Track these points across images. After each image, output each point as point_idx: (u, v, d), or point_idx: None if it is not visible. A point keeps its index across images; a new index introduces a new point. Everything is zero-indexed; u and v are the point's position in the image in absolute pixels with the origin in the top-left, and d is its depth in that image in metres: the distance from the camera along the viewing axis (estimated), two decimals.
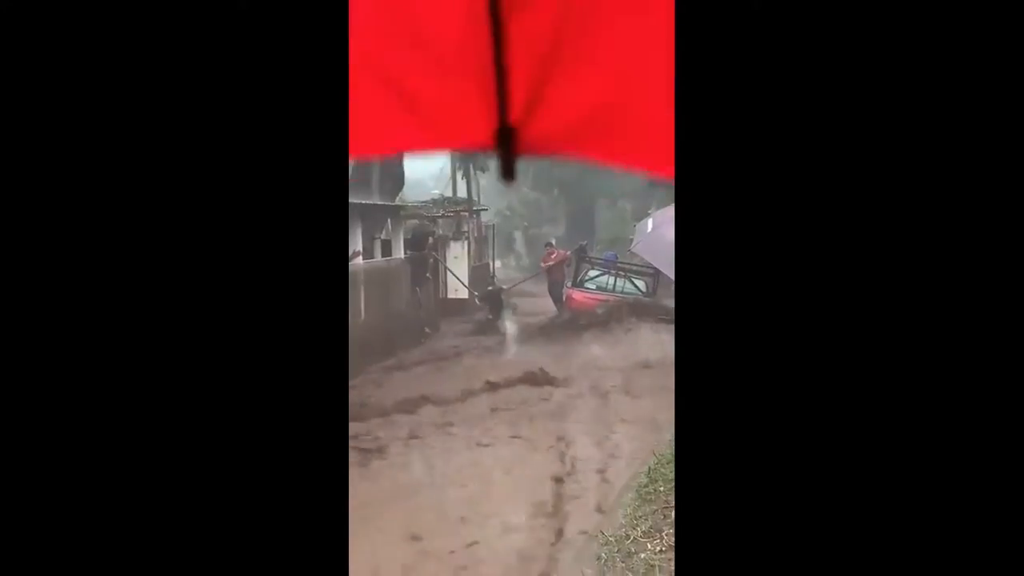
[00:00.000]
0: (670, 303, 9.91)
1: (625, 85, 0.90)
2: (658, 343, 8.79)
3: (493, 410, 6.59)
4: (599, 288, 12.37)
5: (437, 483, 4.94)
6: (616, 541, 3.80)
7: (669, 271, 6.96)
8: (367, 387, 7.59)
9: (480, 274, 14.35)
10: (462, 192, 15.89)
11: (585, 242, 14.91)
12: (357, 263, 9.46)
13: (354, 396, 6.82)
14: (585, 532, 4.09)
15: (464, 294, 13.34)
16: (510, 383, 7.53)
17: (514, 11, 0.84)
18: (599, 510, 4.45)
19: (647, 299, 11.74)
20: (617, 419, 6.33)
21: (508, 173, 0.94)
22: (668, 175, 0.85)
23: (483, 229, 16.19)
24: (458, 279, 13.32)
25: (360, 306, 9.24)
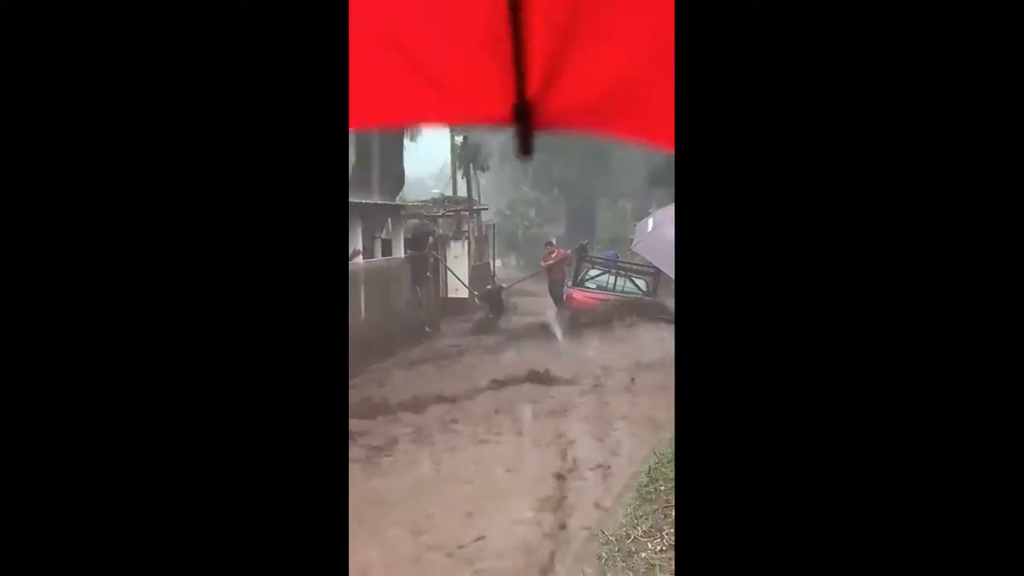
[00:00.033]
0: (670, 303, 9.91)
1: (642, 60, 0.90)
2: (659, 342, 8.79)
3: (497, 411, 6.61)
4: (599, 287, 12.37)
5: (444, 479, 4.96)
6: (617, 540, 3.80)
7: (669, 270, 6.96)
8: (371, 386, 7.61)
9: (480, 273, 14.35)
10: (462, 191, 15.89)
11: (586, 241, 14.92)
12: (357, 262, 9.46)
13: (359, 394, 6.85)
14: (586, 530, 4.09)
15: (464, 293, 13.34)
16: (511, 382, 7.54)
17: None
18: (599, 508, 4.45)
19: (647, 298, 11.74)
20: (618, 418, 6.33)
21: (525, 148, 0.94)
22: None
23: (483, 228, 16.20)
24: (458, 278, 13.32)
25: (360, 305, 9.24)
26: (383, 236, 11.72)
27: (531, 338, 10.22)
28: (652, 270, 11.30)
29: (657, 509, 4.08)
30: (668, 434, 5.33)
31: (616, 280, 12.46)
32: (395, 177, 13.92)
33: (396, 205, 12.30)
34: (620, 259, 13.08)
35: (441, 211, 14.11)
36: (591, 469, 5.09)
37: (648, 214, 11.74)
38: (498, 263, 17.87)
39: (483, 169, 17.07)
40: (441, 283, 13.12)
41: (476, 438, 5.88)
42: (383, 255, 11.36)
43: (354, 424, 5.87)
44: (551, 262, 13.21)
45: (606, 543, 3.79)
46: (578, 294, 12.22)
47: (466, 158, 15.90)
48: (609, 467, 5.12)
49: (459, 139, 16.18)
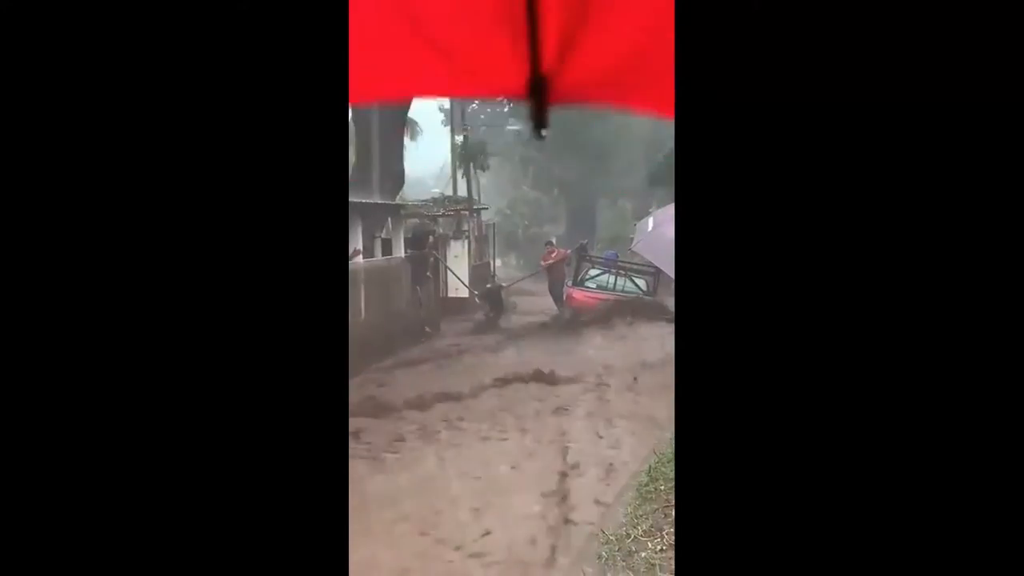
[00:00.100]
0: (670, 302, 9.91)
1: (655, 32, 0.90)
2: (659, 341, 8.78)
3: (499, 409, 6.62)
4: (600, 287, 12.37)
5: (450, 476, 4.99)
6: (617, 540, 3.80)
7: (670, 270, 6.95)
8: (372, 385, 7.62)
9: (480, 273, 14.35)
10: (462, 191, 15.89)
11: (586, 241, 14.91)
12: (357, 262, 9.45)
13: (361, 393, 6.87)
14: (591, 524, 4.10)
15: (464, 293, 13.33)
16: (511, 381, 7.54)
17: None
18: (600, 504, 4.46)
19: (648, 298, 11.74)
20: (618, 417, 6.33)
21: (540, 122, 0.95)
22: None
23: (483, 228, 16.19)
24: (458, 278, 13.31)
25: (360, 305, 9.23)
26: (383, 235, 11.72)
27: (531, 337, 10.22)
28: (652, 270, 11.30)
29: (657, 508, 4.08)
30: (668, 433, 5.33)
31: (616, 280, 12.46)
32: (395, 176, 13.92)
33: (396, 204, 12.29)
34: (620, 259, 13.08)
35: (441, 210, 14.10)
36: (592, 467, 5.10)
37: (648, 214, 11.73)
38: (498, 262, 17.87)
39: (483, 168, 17.07)
40: (441, 282, 13.11)
41: (479, 436, 5.89)
42: (383, 254, 11.36)
43: (359, 422, 5.92)
44: (551, 262, 13.21)
45: (606, 542, 3.79)
46: (578, 294, 12.21)
47: (466, 157, 15.89)
48: (611, 465, 5.13)
49: (459, 139, 16.18)
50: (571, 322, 10.86)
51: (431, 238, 12.28)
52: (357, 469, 4.94)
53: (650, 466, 4.78)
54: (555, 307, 12.55)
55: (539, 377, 7.64)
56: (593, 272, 12.75)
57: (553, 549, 3.85)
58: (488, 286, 12.77)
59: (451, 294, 13.38)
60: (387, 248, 11.59)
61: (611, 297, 11.79)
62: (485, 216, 16.81)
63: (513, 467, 5.19)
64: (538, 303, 13.54)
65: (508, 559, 3.75)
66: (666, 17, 0.86)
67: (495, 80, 0.97)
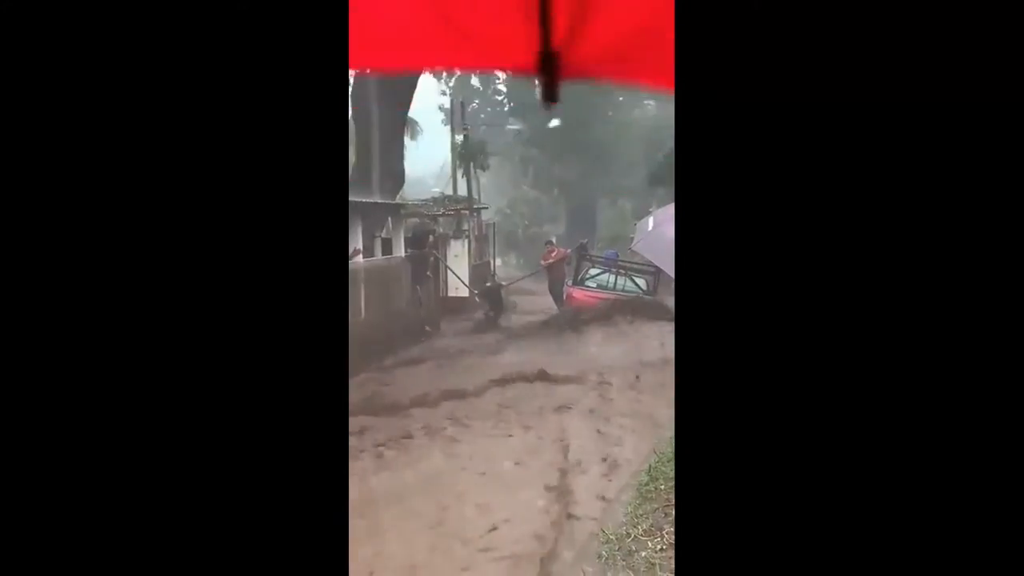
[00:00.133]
0: (671, 301, 9.90)
1: (664, 9, 0.91)
2: (659, 341, 8.79)
3: (501, 407, 6.63)
4: (600, 286, 12.37)
5: (456, 472, 5.02)
6: (617, 539, 3.80)
7: (670, 269, 6.96)
8: (373, 384, 7.65)
9: (481, 272, 14.35)
10: (463, 190, 15.89)
11: (586, 240, 14.92)
12: (357, 261, 9.46)
13: (363, 392, 6.90)
14: (593, 520, 4.11)
15: (465, 292, 13.34)
16: (512, 379, 7.54)
17: None
18: (602, 500, 4.47)
19: (648, 297, 11.74)
20: (618, 416, 6.34)
21: (550, 97, 0.96)
22: None
23: (484, 227, 16.20)
24: (458, 277, 13.32)
25: (360, 304, 9.24)
26: (383, 235, 11.72)
27: (532, 336, 10.22)
28: (652, 269, 11.30)
29: (657, 508, 4.08)
30: (669, 433, 5.34)
31: (616, 279, 12.46)
32: (395, 176, 13.92)
33: (396, 204, 12.29)
34: (620, 258, 13.08)
35: (441, 210, 14.11)
36: (594, 465, 5.11)
37: (648, 213, 11.73)
38: (498, 262, 17.87)
39: (483, 168, 17.07)
40: (441, 282, 13.12)
41: (483, 433, 5.91)
42: (383, 254, 11.37)
43: (365, 420, 5.96)
44: (551, 261, 13.21)
45: (606, 542, 3.79)
46: (578, 293, 12.22)
47: (466, 157, 15.89)
48: (612, 464, 5.14)
49: (459, 138, 16.18)
50: (571, 321, 10.86)
51: (431, 237, 12.28)
52: (364, 466, 4.99)
53: (650, 465, 4.79)
54: (555, 306, 12.55)
55: (540, 376, 7.64)
56: (593, 271, 12.75)
57: (556, 540, 3.87)
58: (487, 284, 12.77)
59: (451, 293, 13.38)
60: (387, 247, 11.60)
61: (611, 296, 11.79)
62: (485, 215, 16.82)
63: (517, 463, 5.21)
64: (538, 302, 13.55)
65: (514, 554, 3.77)
66: None
67: (506, 54, 0.99)
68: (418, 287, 11.33)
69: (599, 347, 9.33)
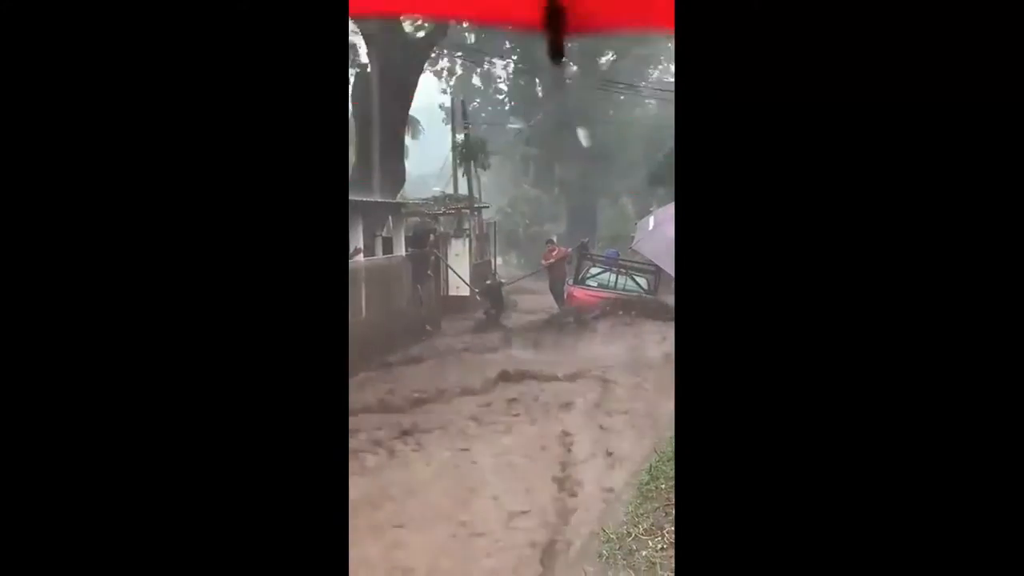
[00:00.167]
0: (671, 300, 9.90)
1: None
2: (660, 340, 8.79)
3: (503, 406, 6.66)
4: (600, 286, 12.37)
5: (460, 469, 5.06)
6: (617, 538, 3.80)
7: (670, 268, 6.96)
8: (376, 383, 7.67)
9: (481, 271, 14.35)
10: (463, 189, 15.89)
11: (586, 239, 14.91)
12: (358, 260, 9.46)
13: (365, 392, 6.93)
14: (589, 525, 4.11)
15: (466, 291, 13.34)
16: (513, 378, 7.56)
17: None
18: (602, 499, 4.48)
19: (648, 296, 11.74)
20: (619, 415, 6.34)
21: (557, 52, 0.97)
22: None
23: (484, 226, 16.19)
24: (459, 276, 13.31)
25: (361, 304, 9.24)
26: (384, 234, 11.72)
27: (533, 335, 10.22)
28: (653, 268, 11.30)
29: (658, 507, 4.08)
30: (669, 432, 5.34)
31: (617, 278, 12.46)
32: (396, 175, 13.91)
33: (397, 203, 12.29)
34: (621, 257, 13.07)
35: (442, 209, 14.10)
36: (594, 464, 5.12)
37: (649, 212, 11.73)
38: (499, 261, 17.87)
39: (484, 167, 17.06)
40: (442, 281, 13.11)
41: (487, 430, 5.94)
42: (384, 253, 11.36)
43: (371, 419, 5.99)
44: (552, 260, 13.21)
45: (607, 541, 3.79)
46: (579, 292, 12.21)
47: (467, 156, 15.88)
48: (613, 463, 5.15)
49: (460, 137, 16.18)
50: (572, 320, 10.86)
51: (432, 236, 12.28)
52: (368, 463, 5.03)
53: (651, 464, 4.79)
54: (556, 305, 12.54)
55: (540, 375, 7.65)
56: (594, 271, 12.75)
57: (556, 540, 3.90)
58: (488, 283, 12.77)
59: (452, 292, 13.38)
60: (388, 246, 11.60)
61: (612, 295, 11.78)
62: (486, 214, 16.82)
63: (521, 460, 5.23)
64: (539, 301, 13.54)
65: (525, 544, 3.80)
66: None
67: (513, 10, 0.99)
68: (419, 286, 11.33)
69: (599, 346, 9.33)
